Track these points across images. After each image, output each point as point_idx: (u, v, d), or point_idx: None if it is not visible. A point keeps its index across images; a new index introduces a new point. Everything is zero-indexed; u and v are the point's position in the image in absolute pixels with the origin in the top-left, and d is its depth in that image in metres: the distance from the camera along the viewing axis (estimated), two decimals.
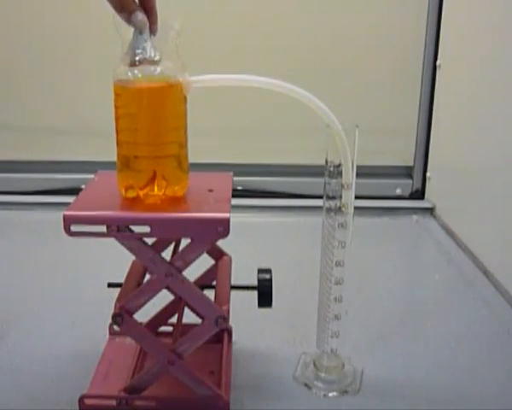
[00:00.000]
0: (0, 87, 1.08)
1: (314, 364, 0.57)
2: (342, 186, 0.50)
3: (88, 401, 0.51)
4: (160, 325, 0.59)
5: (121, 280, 0.54)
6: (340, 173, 0.49)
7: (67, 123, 1.09)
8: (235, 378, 0.57)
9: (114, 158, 0.48)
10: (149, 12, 0.45)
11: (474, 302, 0.75)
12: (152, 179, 0.47)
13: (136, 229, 0.46)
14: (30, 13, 1.04)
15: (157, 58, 0.45)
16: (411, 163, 1.12)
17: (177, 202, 0.48)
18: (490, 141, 0.84)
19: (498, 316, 0.71)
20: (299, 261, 0.84)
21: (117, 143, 0.48)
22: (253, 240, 0.93)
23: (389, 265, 0.87)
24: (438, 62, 1.04)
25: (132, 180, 0.47)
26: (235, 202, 0.49)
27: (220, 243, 0.56)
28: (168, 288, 0.51)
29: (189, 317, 0.53)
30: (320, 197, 0.52)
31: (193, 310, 0.52)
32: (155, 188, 0.47)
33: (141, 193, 0.47)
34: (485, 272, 0.82)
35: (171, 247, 0.56)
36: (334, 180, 0.50)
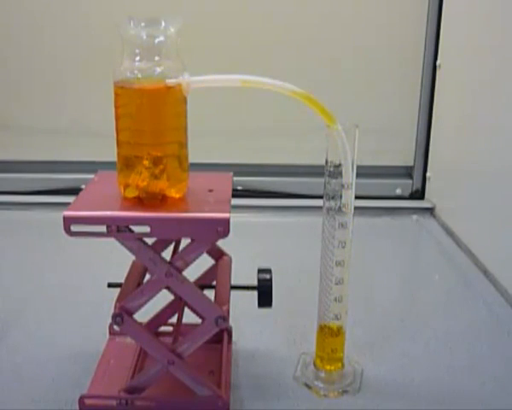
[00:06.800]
0: (0, 87, 1.08)
1: (314, 364, 0.57)
2: (342, 186, 0.50)
3: (88, 401, 0.51)
4: (160, 325, 0.59)
5: (121, 280, 0.54)
6: (340, 173, 0.49)
7: (67, 123, 1.10)
8: (235, 378, 0.57)
9: (114, 158, 0.48)
10: None
11: (474, 302, 0.75)
12: (152, 179, 0.47)
13: (136, 229, 0.46)
14: (30, 13, 1.04)
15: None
16: (411, 163, 1.12)
17: (177, 202, 0.48)
18: (490, 141, 0.84)
19: (498, 316, 0.71)
20: (299, 261, 0.84)
21: (117, 143, 0.48)
22: (253, 240, 0.93)
23: (389, 265, 0.87)
24: (438, 62, 1.04)
25: (132, 180, 0.47)
26: (235, 202, 0.49)
27: (220, 243, 0.56)
28: (168, 288, 0.51)
29: (189, 317, 0.54)
30: (320, 197, 0.52)
31: (193, 310, 0.52)
32: (155, 187, 0.47)
33: (141, 193, 0.47)
34: (485, 272, 0.82)
35: (171, 247, 0.56)
36: (334, 180, 0.50)
